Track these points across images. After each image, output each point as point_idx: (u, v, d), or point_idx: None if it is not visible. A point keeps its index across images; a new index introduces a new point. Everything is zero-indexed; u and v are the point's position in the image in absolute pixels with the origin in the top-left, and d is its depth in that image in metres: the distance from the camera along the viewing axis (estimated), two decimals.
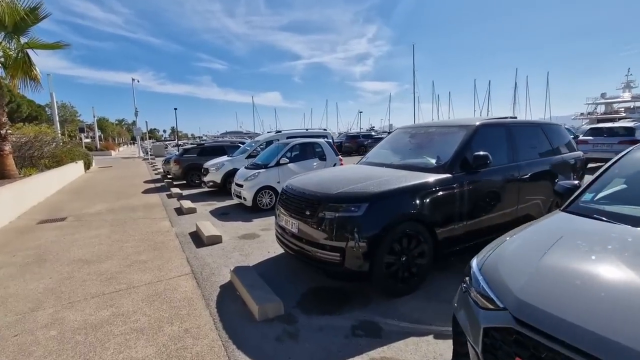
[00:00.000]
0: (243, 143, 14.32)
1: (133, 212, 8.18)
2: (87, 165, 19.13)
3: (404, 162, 4.28)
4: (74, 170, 15.71)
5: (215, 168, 10.02)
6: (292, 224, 3.77)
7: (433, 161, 4.06)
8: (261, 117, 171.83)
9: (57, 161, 14.40)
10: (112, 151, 41.86)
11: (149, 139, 41.52)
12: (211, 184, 10.05)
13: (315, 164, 8.39)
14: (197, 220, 7.13)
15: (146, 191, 11.58)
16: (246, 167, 8.48)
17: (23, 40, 9.62)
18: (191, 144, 48.46)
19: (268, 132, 11.82)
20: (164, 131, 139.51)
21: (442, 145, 4.22)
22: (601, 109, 62.15)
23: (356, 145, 26.34)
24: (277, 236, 4.33)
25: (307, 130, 11.43)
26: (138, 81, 36.33)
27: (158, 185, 13.05)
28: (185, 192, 10.88)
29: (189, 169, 12.18)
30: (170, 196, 10.32)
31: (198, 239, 5.76)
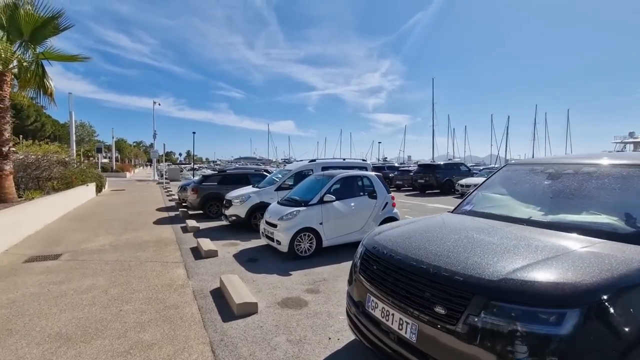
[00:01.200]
0: (267, 172, 13.03)
1: (141, 251, 6.73)
2: (99, 188, 18.07)
3: (561, 220, 2.73)
4: (83, 194, 14.58)
5: (239, 200, 8.61)
6: (400, 322, 2.22)
7: (616, 221, 2.51)
8: (275, 144, 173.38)
9: (66, 183, 13.31)
10: (127, 172, 41.39)
11: (165, 161, 41.03)
12: (234, 218, 8.61)
13: (364, 202, 6.89)
14: (220, 269, 5.61)
15: (158, 221, 10.20)
16: (279, 203, 7.03)
17: (39, 50, 8.72)
18: (207, 168, 47.97)
19: (298, 161, 10.43)
20: (180, 154, 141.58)
21: (624, 194, 2.68)
22: (629, 147, 59.81)
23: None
24: (354, 324, 2.77)
25: (344, 160, 10.05)
26: (159, 104, 36.33)
27: (172, 214, 11.69)
28: (203, 225, 9.45)
29: (208, 198, 10.81)
30: (185, 230, 8.89)
31: (224, 305, 4.21)
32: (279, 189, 8.84)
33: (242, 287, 4.39)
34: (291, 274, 5.40)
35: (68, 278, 5.18)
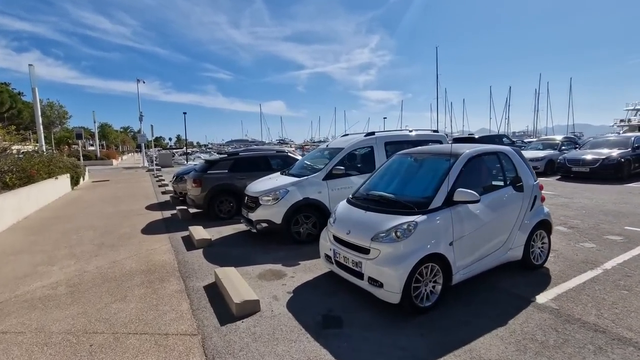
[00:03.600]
0: (283, 152, 9.93)
1: (119, 300, 3.76)
2: (75, 181, 14.83)
3: None
4: (52, 190, 11.39)
5: (271, 197, 5.60)
6: None
7: None
8: (268, 125, 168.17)
9: (25, 177, 10.10)
10: (113, 160, 37.76)
11: (154, 146, 37.49)
12: (265, 225, 5.61)
13: (509, 198, 3.94)
14: (278, 348, 2.68)
15: (149, 228, 7.18)
16: (354, 203, 4.04)
17: None
18: (201, 152, 44.26)
19: (343, 136, 7.40)
20: (170, 139, 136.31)
21: None
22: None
23: None
24: None
25: (410, 131, 7.01)
26: (144, 82, 32.37)
27: (167, 214, 8.65)
28: (214, 232, 6.46)
29: (217, 192, 7.74)
30: (190, 244, 5.90)
31: None
32: (330, 176, 5.83)
33: None
34: None
35: None
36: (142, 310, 3.56)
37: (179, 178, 10.34)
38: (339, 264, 3.79)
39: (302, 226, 5.68)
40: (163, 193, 12.59)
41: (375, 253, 3.31)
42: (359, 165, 6.30)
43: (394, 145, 6.49)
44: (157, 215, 8.66)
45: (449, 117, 73.47)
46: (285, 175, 6.56)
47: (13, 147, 11.57)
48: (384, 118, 61.06)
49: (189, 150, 41.53)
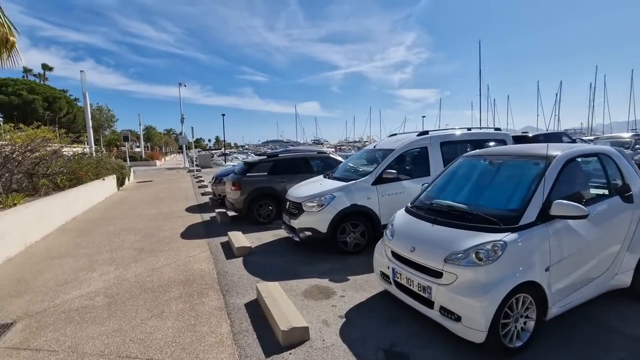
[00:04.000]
0: (324, 153, 9.47)
1: (155, 316, 3.45)
2: (121, 181, 15.37)
3: None
4: (99, 190, 11.77)
5: (316, 204, 5.12)
6: None
7: None
8: (302, 126, 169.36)
9: (74, 178, 10.46)
10: (157, 161, 39.46)
11: (195, 147, 38.73)
12: (308, 234, 5.15)
13: (615, 211, 3.17)
14: None
15: (189, 232, 7.00)
16: (417, 214, 3.45)
17: None
18: (238, 152, 45.14)
19: (391, 136, 6.78)
20: (209, 140, 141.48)
21: None
22: None
23: None
24: None
25: (469, 130, 6.25)
26: (185, 85, 33.47)
27: (206, 217, 8.50)
28: (253, 237, 6.12)
29: (257, 196, 7.42)
30: (229, 252, 5.59)
31: None
32: (380, 180, 5.25)
33: None
34: None
35: None
36: (179, 331, 3.21)
37: (218, 180, 10.21)
38: (399, 286, 3.22)
39: (349, 235, 5.15)
40: (202, 194, 12.62)
41: (450, 278, 2.70)
42: (410, 169, 5.68)
43: (451, 145, 5.80)
44: (197, 217, 8.53)
45: (492, 114, 69.39)
46: (329, 178, 6.08)
47: (64, 150, 12.10)
48: (423, 117, 59.33)
49: (227, 151, 42.50)
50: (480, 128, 6.62)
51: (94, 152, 17.32)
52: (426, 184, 4.06)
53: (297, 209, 5.34)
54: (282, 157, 8.00)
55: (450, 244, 2.81)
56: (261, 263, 5.04)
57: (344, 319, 3.33)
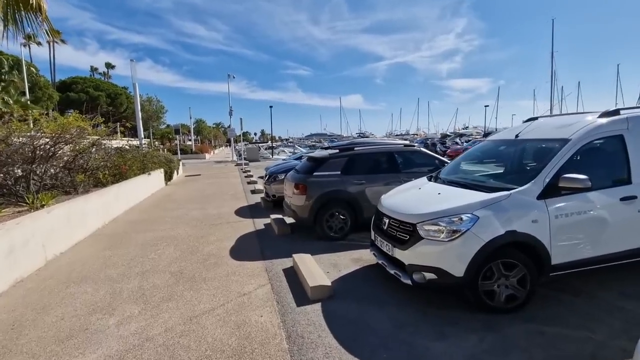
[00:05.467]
0: (412, 147, 7.35)
1: None
2: (169, 175, 14.49)
3: None
4: (143, 186, 10.75)
5: (445, 228, 3.11)
6: None
7: None
8: (346, 119, 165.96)
9: (117, 173, 9.46)
10: (206, 154, 39.67)
11: (242, 141, 38.34)
12: (430, 277, 3.16)
13: None
14: None
15: (239, 250, 5.37)
16: None
17: None
18: (284, 145, 44.20)
19: (528, 120, 4.48)
20: (255, 134, 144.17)
21: None
22: None
23: None
24: None
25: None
26: (234, 77, 32.90)
27: (260, 225, 6.87)
28: (328, 266, 4.31)
29: (327, 202, 5.58)
30: (300, 292, 3.81)
31: None
32: (552, 191, 3.11)
33: None
34: None
35: None
36: None
37: (272, 177, 8.60)
38: None
39: (498, 282, 3.10)
40: (252, 192, 11.17)
41: None
42: (596, 170, 3.44)
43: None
44: (248, 225, 6.94)
45: (558, 103, 61.47)
46: (441, 183, 4.05)
47: (113, 142, 11.23)
48: (486, 106, 53.35)
49: (273, 145, 41.66)
50: None
51: (144, 144, 16.79)
52: None
53: (408, 232, 3.37)
54: (360, 152, 6.02)
55: None
56: (352, 319, 3.18)
57: None
